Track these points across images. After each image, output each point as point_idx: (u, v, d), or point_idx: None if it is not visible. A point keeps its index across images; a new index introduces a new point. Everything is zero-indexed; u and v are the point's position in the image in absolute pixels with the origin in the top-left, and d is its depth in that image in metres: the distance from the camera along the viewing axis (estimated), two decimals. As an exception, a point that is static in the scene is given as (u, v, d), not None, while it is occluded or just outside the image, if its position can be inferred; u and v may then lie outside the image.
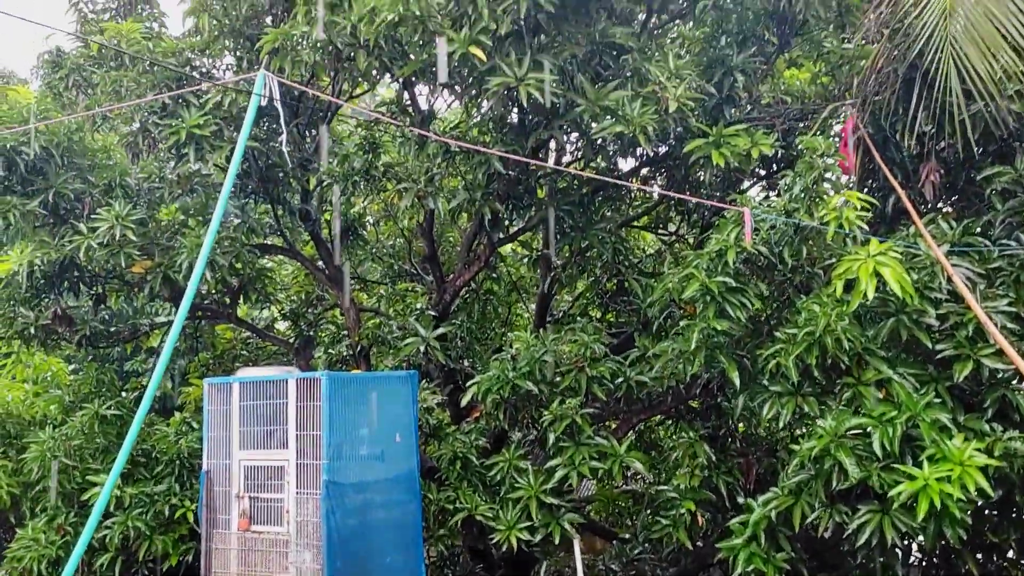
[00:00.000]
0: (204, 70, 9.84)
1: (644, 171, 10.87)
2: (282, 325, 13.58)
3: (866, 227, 7.84)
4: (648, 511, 10.08)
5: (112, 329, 10.88)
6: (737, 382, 8.06)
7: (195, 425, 9.78)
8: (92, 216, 9.23)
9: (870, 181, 9.04)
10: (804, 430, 7.81)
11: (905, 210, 8.25)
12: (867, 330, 7.81)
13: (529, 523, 8.80)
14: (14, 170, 8.92)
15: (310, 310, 12.55)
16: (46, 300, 10.18)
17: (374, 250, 12.99)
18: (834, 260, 7.92)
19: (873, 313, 7.93)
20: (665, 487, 9.37)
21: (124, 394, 10.91)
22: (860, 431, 7.25)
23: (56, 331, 10.22)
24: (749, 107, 9.84)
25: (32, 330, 10.01)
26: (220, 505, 8.22)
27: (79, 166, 9.46)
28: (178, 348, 10.97)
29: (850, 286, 7.65)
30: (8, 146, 8.69)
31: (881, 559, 7.70)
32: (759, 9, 8.86)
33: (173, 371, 11.14)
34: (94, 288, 10.39)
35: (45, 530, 9.49)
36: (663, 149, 10.01)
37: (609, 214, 10.73)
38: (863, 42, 9.13)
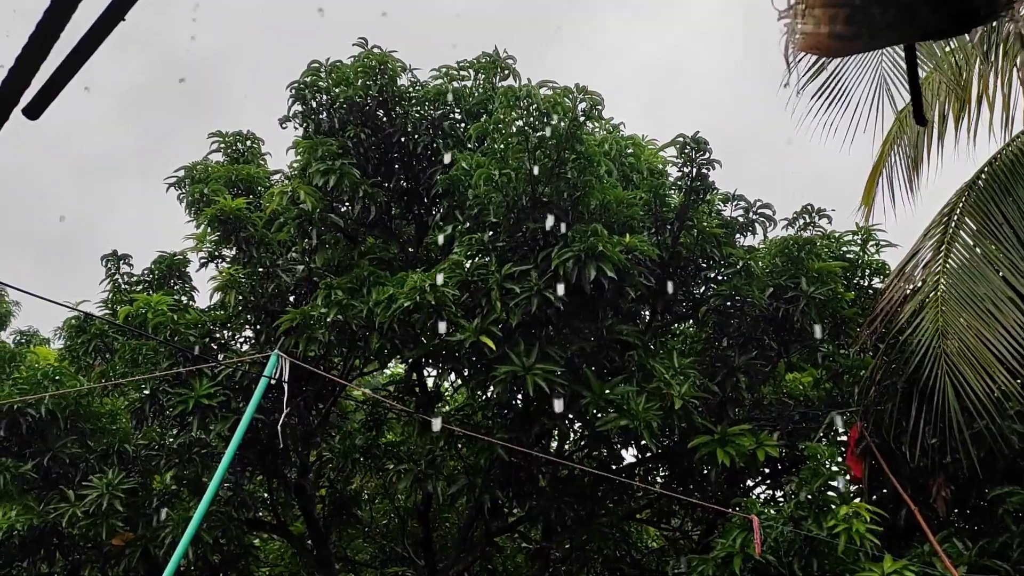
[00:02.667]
0: (223, 342, 10.14)
1: (647, 464, 10.73)
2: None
3: (877, 541, 7.57)
4: None
5: (79, 604, 10.19)
6: None
7: None
8: (83, 483, 9.05)
9: (882, 490, 8.87)
10: None
11: (917, 522, 8.01)
12: (888, 656, 7.24)
13: None
14: (15, 431, 8.90)
15: (293, 592, 11.83)
16: (18, 568, 9.66)
17: (367, 529, 12.51)
18: None
19: (893, 637, 7.39)
20: None
21: None
22: None
23: (21, 604, 9.59)
24: (752, 406, 9.93)
25: (-4, 601, 9.40)
26: None
27: (81, 430, 9.45)
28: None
29: (866, 605, 7.22)
30: (15, 407, 8.75)
31: None
32: (758, 316, 9.26)
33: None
34: (70, 557, 9.90)
35: None
36: (666, 443, 9.97)
37: (611, 506, 10.45)
38: (860, 353, 9.44)
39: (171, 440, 9.80)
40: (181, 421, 9.51)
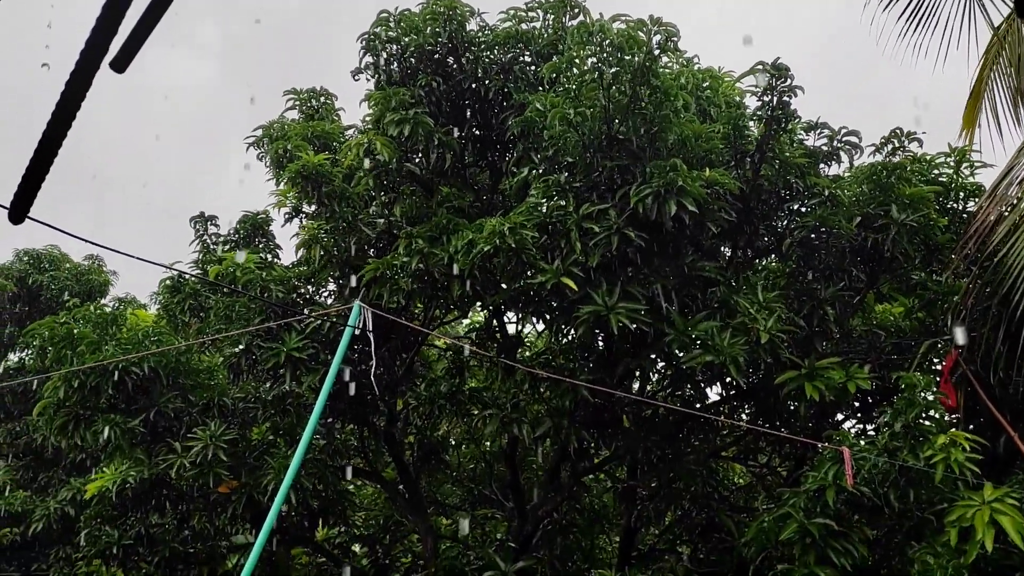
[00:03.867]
0: (308, 296, 10.41)
1: (732, 402, 10.66)
2: (358, 547, 13.24)
3: (977, 469, 7.40)
4: None
5: (191, 551, 10.78)
6: (848, 638, 7.34)
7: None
8: (188, 435, 9.48)
9: (979, 419, 8.64)
10: None
11: (1017, 449, 7.80)
12: (990, 585, 7.14)
13: None
14: (121, 389, 9.34)
15: (387, 535, 12.24)
16: (132, 518, 10.24)
17: (455, 474, 12.81)
18: (946, 505, 7.43)
19: (995, 566, 7.27)
20: None
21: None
22: None
23: (137, 551, 10.18)
24: (840, 339, 9.72)
25: (114, 549, 10.00)
26: None
27: (182, 386, 9.87)
28: (253, 574, 10.73)
29: (966, 535, 7.11)
30: (120, 367, 9.17)
31: None
32: (845, 246, 9.01)
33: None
34: (180, 507, 10.44)
35: None
36: (751, 380, 9.86)
37: (697, 444, 10.45)
38: (953, 278, 9.13)
39: (265, 393, 10.16)
40: (274, 374, 9.86)
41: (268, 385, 10.20)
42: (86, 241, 5.45)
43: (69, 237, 5.34)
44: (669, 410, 9.77)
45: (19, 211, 1.81)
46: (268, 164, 9.89)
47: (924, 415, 7.81)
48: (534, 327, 11.16)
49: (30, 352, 16.70)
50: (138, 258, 6.83)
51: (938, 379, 8.47)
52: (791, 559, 7.83)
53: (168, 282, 10.56)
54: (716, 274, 8.79)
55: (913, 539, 7.73)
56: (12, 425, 16.49)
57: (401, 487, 11.33)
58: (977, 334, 8.44)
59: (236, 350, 9.66)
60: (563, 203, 8.49)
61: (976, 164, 9.55)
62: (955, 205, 9.53)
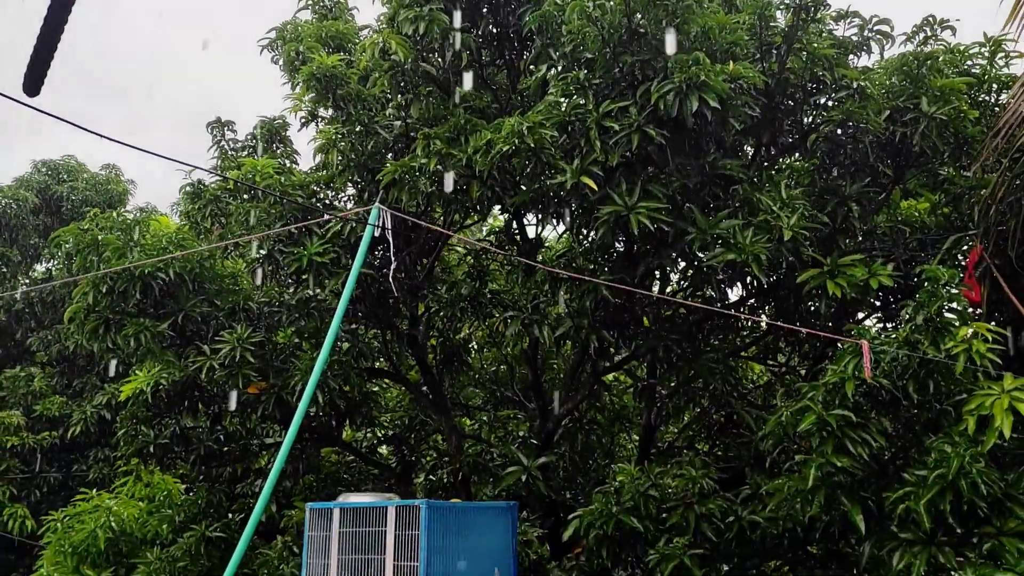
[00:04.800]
0: (327, 201, 10.41)
1: (752, 301, 10.67)
2: (384, 448, 13.64)
3: (999, 360, 7.41)
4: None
5: (225, 449, 11.16)
6: (862, 527, 7.51)
7: (296, 550, 9.76)
8: (216, 338, 9.67)
9: (997, 314, 8.60)
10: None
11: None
12: (1006, 473, 7.24)
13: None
14: (149, 294, 9.49)
15: (412, 435, 12.58)
16: (167, 419, 10.57)
17: (477, 375, 13.03)
18: (965, 396, 7.48)
19: (1012, 455, 7.37)
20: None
21: (231, 516, 11.05)
22: (1005, 587, 6.59)
23: (173, 450, 10.55)
24: (863, 237, 9.63)
25: (151, 448, 10.37)
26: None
27: (207, 291, 10.00)
28: (284, 470, 11.12)
29: (984, 424, 7.18)
30: (146, 272, 9.30)
31: None
32: (872, 141, 8.81)
33: (279, 493, 11.24)
34: (212, 408, 10.75)
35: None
36: (772, 278, 9.83)
37: (716, 343, 10.52)
38: (982, 172, 8.94)
39: (289, 297, 10.29)
40: (297, 279, 9.97)
41: (292, 290, 10.33)
42: (108, 138, 5.43)
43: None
44: (689, 309, 9.80)
45: (33, 83, 1.81)
46: (282, 67, 9.73)
47: (947, 308, 7.78)
48: (555, 228, 11.12)
49: (56, 262, 16.97)
50: (156, 154, 6.80)
51: (962, 273, 8.39)
52: (808, 451, 7.96)
53: (188, 188, 10.58)
54: (739, 172, 8.66)
55: (931, 430, 7.81)
56: (44, 334, 16.91)
57: (425, 388, 11.56)
58: (1005, 227, 8.32)
59: (258, 256, 9.74)
60: (582, 101, 8.32)
61: (1012, 55, 9.20)
62: (987, 98, 9.23)
